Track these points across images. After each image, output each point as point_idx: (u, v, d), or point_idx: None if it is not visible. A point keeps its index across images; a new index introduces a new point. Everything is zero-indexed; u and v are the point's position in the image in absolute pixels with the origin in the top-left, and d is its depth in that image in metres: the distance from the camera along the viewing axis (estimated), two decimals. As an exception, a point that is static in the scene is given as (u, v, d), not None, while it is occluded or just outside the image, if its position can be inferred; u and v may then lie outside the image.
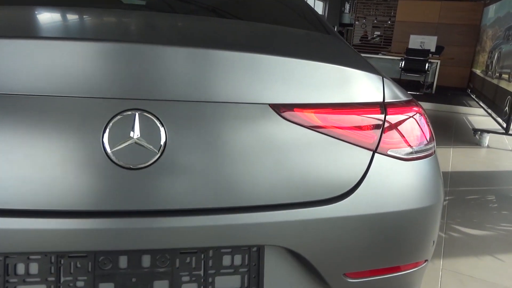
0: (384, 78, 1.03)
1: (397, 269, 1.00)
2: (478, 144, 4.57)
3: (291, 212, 0.87)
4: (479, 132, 4.61)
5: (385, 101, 1.00)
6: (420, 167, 1.01)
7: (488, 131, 4.58)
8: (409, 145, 1.01)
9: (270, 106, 0.88)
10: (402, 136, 1.01)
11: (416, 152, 1.02)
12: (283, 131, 0.88)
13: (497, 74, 5.50)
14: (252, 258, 0.89)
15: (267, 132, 0.87)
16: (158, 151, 0.80)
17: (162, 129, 0.80)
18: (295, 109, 0.90)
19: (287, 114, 0.89)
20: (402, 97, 1.07)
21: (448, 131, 5.16)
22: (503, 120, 4.61)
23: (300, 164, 0.88)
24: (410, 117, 1.04)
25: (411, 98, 1.12)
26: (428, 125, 1.09)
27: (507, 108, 4.57)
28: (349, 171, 0.92)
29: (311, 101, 0.91)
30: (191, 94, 0.82)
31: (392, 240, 0.96)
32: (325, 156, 0.90)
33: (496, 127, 4.91)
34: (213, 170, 0.83)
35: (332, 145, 0.91)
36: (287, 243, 0.87)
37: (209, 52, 0.84)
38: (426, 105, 6.84)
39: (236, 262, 0.88)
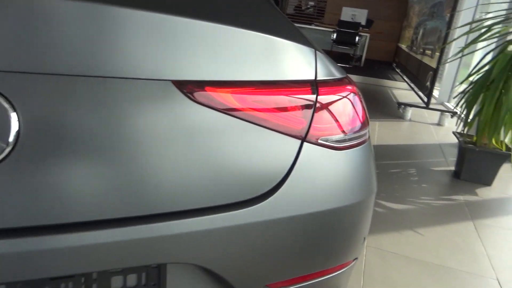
0: (316, 51, 0.87)
1: (325, 272, 0.89)
2: (401, 117, 4.75)
3: (199, 220, 0.69)
4: (403, 106, 4.78)
5: (317, 79, 0.85)
6: (353, 156, 0.88)
7: (411, 105, 4.76)
8: (343, 131, 0.88)
9: (174, 84, 0.68)
10: (336, 120, 0.87)
11: (350, 139, 0.89)
12: (190, 115, 0.69)
13: (421, 50, 5.71)
14: (151, 277, 0.71)
15: (168, 117, 0.67)
16: (7, 145, 0.57)
17: (13, 114, 0.57)
18: (206, 88, 0.71)
19: (196, 94, 0.70)
20: (336, 74, 0.92)
21: (375, 105, 5.30)
22: (424, 95, 4.81)
23: (211, 159, 0.70)
24: (343, 97, 0.90)
25: (345, 75, 0.99)
26: (363, 107, 0.96)
27: (428, 83, 4.77)
28: (272, 166, 0.76)
29: (228, 78, 0.73)
30: (60, 65, 0.59)
31: (321, 242, 0.84)
32: (243, 148, 0.73)
33: (418, 101, 5.13)
34: (91, 170, 0.62)
35: (252, 133, 0.74)
36: (195, 259, 0.70)
37: (87, 6, 0.61)
38: (355, 78, 6.99)
39: (129, 283, 0.69)
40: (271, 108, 0.77)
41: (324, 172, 0.82)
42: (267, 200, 0.75)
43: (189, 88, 0.69)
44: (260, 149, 0.75)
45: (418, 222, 2.29)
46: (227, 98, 0.72)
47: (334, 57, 8.60)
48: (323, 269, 0.88)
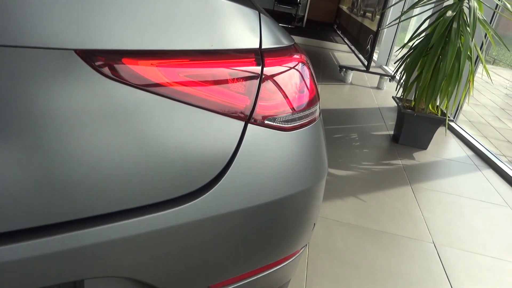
0: (261, 14, 0.73)
1: (273, 265, 0.81)
2: (343, 80, 4.78)
3: (121, 225, 0.56)
4: (344, 69, 4.80)
5: (263, 47, 0.72)
6: (304, 137, 0.78)
7: (352, 68, 4.79)
8: (292, 108, 0.77)
9: (78, 54, 0.52)
10: (285, 96, 0.75)
11: (300, 118, 0.78)
12: (103, 95, 0.53)
13: (362, 12, 5.71)
14: None
15: (73, 98, 0.51)
16: None
17: None
18: (124, 60, 0.55)
19: (109, 67, 0.54)
20: (283, 41, 0.80)
21: (317, 67, 5.28)
22: (365, 58, 4.85)
23: (134, 148, 0.56)
24: (291, 68, 0.78)
25: (293, 42, 0.86)
26: (312, 79, 0.85)
27: (368, 46, 4.80)
28: (210, 154, 0.64)
29: (152, 47, 0.57)
30: None
31: (268, 236, 0.74)
32: (174, 134, 0.59)
33: (358, 64, 5.19)
34: None
35: (185, 115, 0.61)
36: (119, 271, 0.57)
37: None
38: (297, 39, 6.89)
39: None
40: (207, 84, 0.63)
41: (271, 158, 0.71)
42: (205, 196, 0.63)
43: (100, 59, 0.53)
44: (196, 135, 0.61)
45: (361, 188, 2.31)
46: (152, 72, 0.57)
47: (276, 17, 8.40)
48: (271, 262, 0.79)
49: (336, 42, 7.09)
